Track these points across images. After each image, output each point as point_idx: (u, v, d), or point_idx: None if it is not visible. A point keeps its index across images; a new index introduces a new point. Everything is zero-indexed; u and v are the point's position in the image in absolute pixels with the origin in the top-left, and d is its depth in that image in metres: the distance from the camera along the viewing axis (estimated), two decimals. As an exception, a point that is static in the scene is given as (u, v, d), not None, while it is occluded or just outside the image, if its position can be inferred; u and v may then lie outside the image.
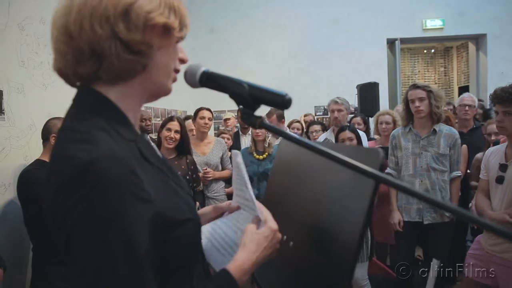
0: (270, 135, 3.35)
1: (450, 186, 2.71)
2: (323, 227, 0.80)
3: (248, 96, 0.68)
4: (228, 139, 3.90)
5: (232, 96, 0.70)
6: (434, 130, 2.67)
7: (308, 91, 6.72)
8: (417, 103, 2.64)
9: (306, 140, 0.62)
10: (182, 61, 0.75)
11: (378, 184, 0.67)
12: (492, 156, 2.20)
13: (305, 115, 5.26)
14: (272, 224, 0.76)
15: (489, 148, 2.35)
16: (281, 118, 3.68)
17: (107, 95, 0.66)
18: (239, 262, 0.71)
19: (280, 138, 3.47)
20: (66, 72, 0.67)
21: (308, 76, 6.76)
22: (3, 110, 2.35)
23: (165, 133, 2.81)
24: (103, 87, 0.66)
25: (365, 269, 2.77)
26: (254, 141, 3.30)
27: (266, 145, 3.24)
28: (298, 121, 4.29)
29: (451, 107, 4.22)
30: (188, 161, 2.91)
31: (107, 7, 0.60)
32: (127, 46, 0.62)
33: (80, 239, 0.56)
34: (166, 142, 2.81)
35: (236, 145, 4.12)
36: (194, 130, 3.61)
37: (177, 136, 2.82)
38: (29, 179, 2.12)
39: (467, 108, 3.58)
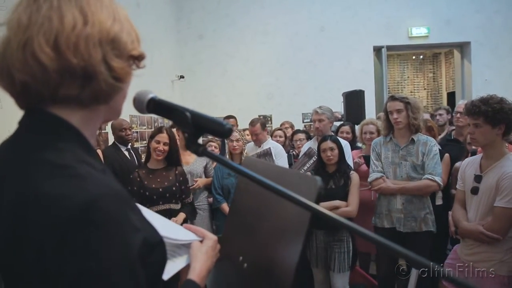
0: (246, 148, 3.37)
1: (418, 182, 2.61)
2: (271, 251, 0.81)
3: (191, 124, 0.69)
4: (215, 147, 3.90)
5: (176, 123, 0.72)
6: (413, 139, 2.70)
7: (296, 98, 6.77)
8: (395, 115, 2.68)
9: (242, 168, 0.63)
10: None
11: (313, 214, 0.68)
12: (468, 166, 2.23)
13: (281, 124, 4.93)
14: (212, 236, 0.89)
15: (466, 159, 2.38)
16: (264, 126, 3.77)
17: (69, 120, 0.62)
18: (198, 271, 0.80)
19: (256, 151, 3.50)
20: (38, 89, 0.59)
21: (296, 83, 6.80)
22: (-20, 122, 2.33)
23: (154, 144, 2.84)
24: (63, 111, 0.62)
25: (346, 278, 2.78)
26: (231, 153, 3.35)
27: (243, 158, 3.26)
28: (281, 129, 4.31)
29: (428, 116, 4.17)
30: (177, 172, 2.91)
31: (101, 32, 0.61)
32: (114, 72, 0.62)
33: (87, 285, 0.52)
34: (155, 154, 2.84)
35: (222, 153, 4.11)
36: (179, 139, 3.60)
37: (166, 148, 2.86)
38: None
39: (458, 115, 3.59)
